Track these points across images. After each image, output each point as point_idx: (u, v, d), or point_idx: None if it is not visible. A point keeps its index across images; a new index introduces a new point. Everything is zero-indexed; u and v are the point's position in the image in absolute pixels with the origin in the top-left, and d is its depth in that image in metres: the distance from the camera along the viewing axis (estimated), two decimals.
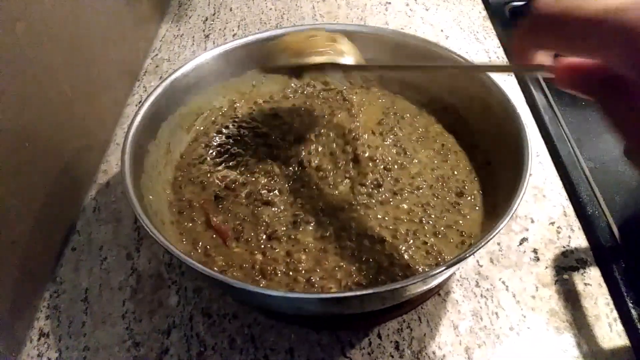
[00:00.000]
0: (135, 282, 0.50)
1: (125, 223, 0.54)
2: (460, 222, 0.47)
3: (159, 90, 0.51)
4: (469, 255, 0.36)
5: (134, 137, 0.46)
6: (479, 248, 0.36)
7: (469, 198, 0.49)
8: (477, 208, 0.48)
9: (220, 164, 0.52)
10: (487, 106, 0.51)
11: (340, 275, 0.42)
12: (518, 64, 0.32)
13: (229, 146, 0.54)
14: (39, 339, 0.46)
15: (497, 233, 0.37)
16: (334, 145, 0.51)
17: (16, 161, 0.45)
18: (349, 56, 0.47)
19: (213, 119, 0.57)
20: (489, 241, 0.37)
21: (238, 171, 0.51)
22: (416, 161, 0.51)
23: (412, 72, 0.60)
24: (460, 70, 0.51)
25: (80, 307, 0.48)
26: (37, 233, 0.48)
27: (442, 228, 0.46)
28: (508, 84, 0.70)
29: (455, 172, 0.51)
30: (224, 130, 0.56)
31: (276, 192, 0.48)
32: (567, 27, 0.26)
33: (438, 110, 0.57)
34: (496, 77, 0.50)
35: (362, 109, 0.56)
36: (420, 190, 0.49)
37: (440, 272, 0.36)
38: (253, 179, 0.49)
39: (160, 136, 0.51)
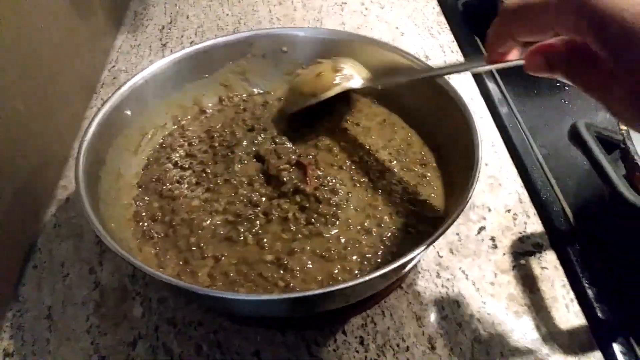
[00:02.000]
0: (98, 296, 0.49)
1: (87, 238, 0.54)
2: (432, 194, 0.50)
3: (100, 115, 0.49)
4: (419, 254, 0.37)
5: (85, 163, 0.45)
6: (430, 244, 0.38)
7: (429, 174, 0.51)
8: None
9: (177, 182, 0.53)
10: (438, 97, 0.53)
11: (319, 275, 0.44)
12: (493, 61, 0.36)
13: (180, 165, 0.54)
14: (3, 359, 0.46)
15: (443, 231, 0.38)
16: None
17: None
18: (356, 77, 0.54)
19: (160, 139, 0.57)
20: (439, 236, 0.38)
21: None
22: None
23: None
24: (439, 73, 0.52)
25: (44, 325, 0.48)
26: None
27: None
28: (462, 76, 0.72)
29: (414, 150, 0.54)
30: (174, 151, 0.56)
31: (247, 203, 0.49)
32: (529, 12, 0.30)
33: (392, 104, 0.59)
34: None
35: None
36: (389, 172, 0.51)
37: (391, 269, 0.36)
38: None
39: (109, 161, 0.50)
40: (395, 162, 0.52)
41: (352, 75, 0.54)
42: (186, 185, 0.52)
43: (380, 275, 0.36)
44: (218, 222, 0.47)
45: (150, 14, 0.89)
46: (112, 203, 0.48)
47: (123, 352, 0.45)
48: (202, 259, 0.45)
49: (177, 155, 0.55)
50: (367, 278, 0.36)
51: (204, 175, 0.52)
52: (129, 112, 0.53)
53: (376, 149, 0.53)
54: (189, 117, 0.59)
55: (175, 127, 0.58)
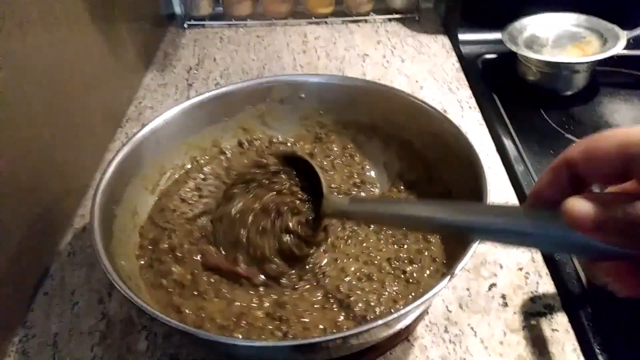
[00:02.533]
0: (105, 327, 0.50)
1: (99, 268, 0.54)
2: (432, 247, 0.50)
3: (120, 156, 0.51)
4: (422, 302, 0.37)
5: (101, 201, 0.46)
6: (436, 293, 0.38)
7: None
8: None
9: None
10: (444, 141, 0.54)
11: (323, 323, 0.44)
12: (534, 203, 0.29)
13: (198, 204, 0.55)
14: None
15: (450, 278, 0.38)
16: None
17: None
18: None
19: (177, 177, 0.58)
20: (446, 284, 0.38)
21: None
22: None
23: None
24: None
25: (48, 352, 0.48)
26: (9, 277, 0.48)
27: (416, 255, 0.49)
28: (478, 131, 0.73)
29: None
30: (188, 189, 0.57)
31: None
32: (598, 150, 0.25)
33: (395, 146, 0.60)
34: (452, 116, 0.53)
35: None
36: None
37: (398, 316, 0.36)
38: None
39: (126, 199, 0.51)
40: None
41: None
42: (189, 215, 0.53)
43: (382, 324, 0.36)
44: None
45: (179, 55, 0.93)
46: (126, 240, 0.49)
47: None
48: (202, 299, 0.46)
49: (188, 188, 0.57)
50: (366, 327, 0.36)
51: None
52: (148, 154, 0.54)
53: None
54: (207, 157, 0.60)
55: (193, 167, 0.59)
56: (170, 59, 0.92)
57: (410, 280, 0.47)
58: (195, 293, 0.46)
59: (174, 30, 1.01)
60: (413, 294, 0.46)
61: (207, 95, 0.59)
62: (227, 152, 0.61)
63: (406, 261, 0.49)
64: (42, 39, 0.55)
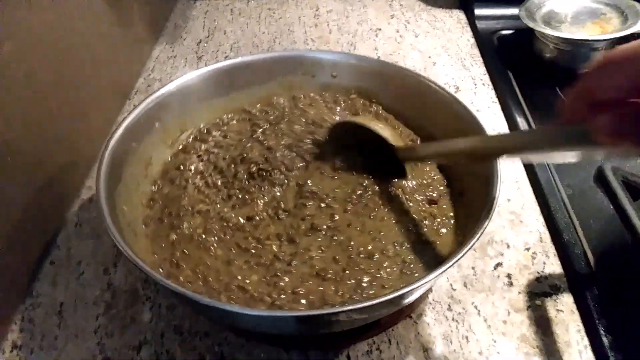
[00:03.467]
0: (110, 298, 0.50)
1: (105, 239, 0.55)
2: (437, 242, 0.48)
3: (144, 104, 0.52)
4: (433, 279, 0.37)
5: (115, 145, 0.48)
6: (443, 271, 0.37)
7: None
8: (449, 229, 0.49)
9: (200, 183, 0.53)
10: (455, 120, 0.52)
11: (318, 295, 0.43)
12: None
13: (211, 165, 0.55)
14: (11, 351, 0.46)
15: (459, 258, 0.37)
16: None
17: None
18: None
19: (196, 135, 0.58)
20: (452, 265, 0.37)
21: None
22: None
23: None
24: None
25: (54, 321, 0.48)
26: (15, 245, 0.49)
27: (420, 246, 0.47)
28: (490, 110, 0.71)
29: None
30: (205, 149, 0.57)
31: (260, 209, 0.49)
32: (615, 64, 0.28)
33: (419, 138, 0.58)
34: (470, 105, 0.51)
35: None
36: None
37: (400, 294, 0.36)
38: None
39: (142, 148, 0.52)
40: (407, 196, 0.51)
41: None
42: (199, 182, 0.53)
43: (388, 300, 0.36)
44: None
45: (189, 27, 0.92)
46: (135, 188, 0.50)
47: (127, 355, 0.46)
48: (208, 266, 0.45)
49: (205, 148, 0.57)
50: (373, 302, 0.36)
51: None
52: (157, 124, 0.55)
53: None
54: (233, 114, 0.61)
55: (214, 127, 0.59)
56: (180, 31, 0.91)
57: (404, 271, 0.45)
58: (200, 247, 0.46)
59: (184, 1, 1.00)
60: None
61: (237, 60, 0.60)
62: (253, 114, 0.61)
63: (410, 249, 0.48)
64: (48, 10, 0.55)
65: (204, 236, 0.47)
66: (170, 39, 0.89)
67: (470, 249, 0.38)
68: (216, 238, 0.47)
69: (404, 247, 0.46)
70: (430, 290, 0.50)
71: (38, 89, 0.53)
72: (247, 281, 0.43)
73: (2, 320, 0.48)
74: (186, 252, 0.46)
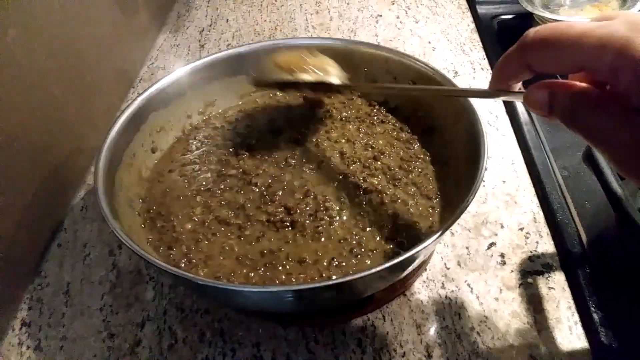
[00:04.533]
0: (115, 278, 0.52)
1: None
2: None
3: (147, 93, 0.54)
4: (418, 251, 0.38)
5: (117, 133, 0.50)
6: (432, 242, 0.38)
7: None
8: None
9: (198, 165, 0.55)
10: (453, 110, 0.53)
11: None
12: (497, 90, 0.36)
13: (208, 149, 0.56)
14: (20, 328, 0.48)
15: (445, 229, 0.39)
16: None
17: (4, 159, 0.48)
18: (335, 77, 0.51)
19: (205, 118, 0.60)
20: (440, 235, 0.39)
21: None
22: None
23: (395, 92, 0.62)
24: (440, 92, 0.54)
25: (61, 300, 0.50)
26: (23, 228, 0.51)
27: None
28: None
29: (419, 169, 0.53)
30: (206, 135, 0.58)
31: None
32: (560, 44, 0.29)
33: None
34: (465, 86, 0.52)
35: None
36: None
37: (387, 266, 0.37)
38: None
39: (143, 135, 0.54)
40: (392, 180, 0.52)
41: (330, 73, 0.51)
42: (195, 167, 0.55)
43: (388, 268, 0.37)
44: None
45: (192, 16, 0.93)
46: (135, 173, 0.52)
47: (131, 332, 0.47)
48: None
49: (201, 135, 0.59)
50: (369, 272, 0.37)
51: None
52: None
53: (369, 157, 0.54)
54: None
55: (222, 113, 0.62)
56: (183, 19, 0.92)
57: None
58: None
59: None
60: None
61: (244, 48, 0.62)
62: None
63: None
64: None
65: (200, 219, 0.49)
66: (174, 28, 0.90)
67: (452, 224, 0.39)
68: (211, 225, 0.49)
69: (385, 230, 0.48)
70: (424, 268, 0.51)
71: (43, 76, 0.54)
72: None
73: (12, 299, 0.50)
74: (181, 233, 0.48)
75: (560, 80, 0.31)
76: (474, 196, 0.41)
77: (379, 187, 0.50)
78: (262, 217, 0.48)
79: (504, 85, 0.35)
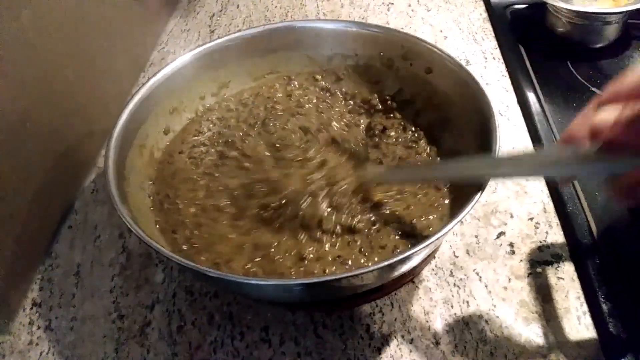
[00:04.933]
0: (125, 260, 0.52)
1: None
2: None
3: (157, 77, 0.54)
4: (429, 244, 0.38)
5: (127, 117, 0.50)
6: (444, 234, 0.38)
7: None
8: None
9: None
10: (464, 97, 0.53)
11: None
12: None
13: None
14: (31, 308, 0.49)
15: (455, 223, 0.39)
16: None
17: (16, 139, 0.48)
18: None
19: (219, 99, 0.60)
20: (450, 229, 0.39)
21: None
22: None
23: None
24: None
25: (72, 281, 0.51)
26: (34, 209, 0.51)
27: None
28: (500, 83, 0.72)
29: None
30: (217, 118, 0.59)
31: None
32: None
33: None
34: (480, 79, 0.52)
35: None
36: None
37: (399, 259, 0.37)
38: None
39: (154, 119, 0.54)
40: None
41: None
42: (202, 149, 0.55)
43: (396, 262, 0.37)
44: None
45: (202, 1, 0.93)
46: (147, 155, 0.52)
47: (141, 314, 0.48)
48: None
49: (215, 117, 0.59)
50: (379, 265, 0.37)
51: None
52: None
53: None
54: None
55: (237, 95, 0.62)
56: (194, 4, 0.92)
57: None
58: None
59: None
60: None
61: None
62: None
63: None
64: None
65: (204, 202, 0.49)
66: (184, 12, 0.90)
67: (462, 217, 0.39)
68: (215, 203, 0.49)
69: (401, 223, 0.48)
70: (433, 256, 0.51)
71: (55, 58, 0.55)
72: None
73: (23, 279, 0.50)
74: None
75: None
76: (481, 193, 0.41)
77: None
78: (253, 209, 0.48)
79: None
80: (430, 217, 0.48)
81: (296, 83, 0.63)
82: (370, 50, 0.60)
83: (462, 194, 0.48)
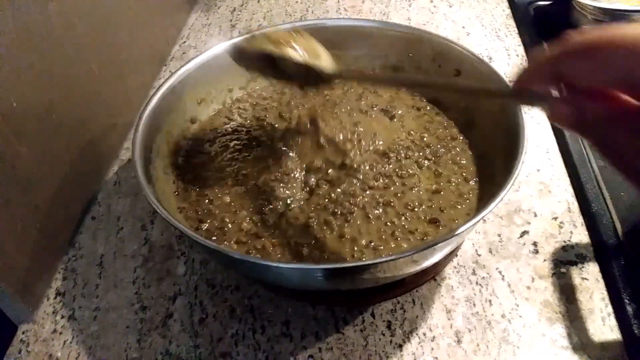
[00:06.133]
0: (147, 252, 0.53)
1: (143, 197, 0.57)
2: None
3: (179, 73, 0.54)
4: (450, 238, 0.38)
5: (152, 110, 0.50)
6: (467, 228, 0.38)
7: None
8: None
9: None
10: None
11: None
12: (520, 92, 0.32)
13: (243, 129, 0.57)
14: (55, 298, 0.49)
15: (481, 217, 0.38)
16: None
17: (42, 130, 0.48)
18: (326, 64, 0.44)
19: (247, 92, 0.61)
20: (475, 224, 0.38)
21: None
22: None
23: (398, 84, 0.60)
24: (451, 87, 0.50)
25: (95, 271, 0.51)
26: (59, 200, 0.52)
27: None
28: None
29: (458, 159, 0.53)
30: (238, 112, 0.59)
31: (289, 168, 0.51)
32: (601, 52, 0.25)
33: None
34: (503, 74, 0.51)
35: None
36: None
37: (417, 252, 0.37)
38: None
39: (177, 113, 0.54)
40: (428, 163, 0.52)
41: (320, 57, 0.45)
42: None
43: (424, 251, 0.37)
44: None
45: None
46: (171, 140, 0.53)
47: (163, 305, 0.48)
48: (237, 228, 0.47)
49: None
50: (398, 256, 0.37)
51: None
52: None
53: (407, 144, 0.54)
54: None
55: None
56: None
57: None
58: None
59: None
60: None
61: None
62: None
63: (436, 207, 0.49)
64: None
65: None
66: (205, 7, 0.90)
67: (486, 214, 0.39)
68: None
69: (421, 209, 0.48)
70: (455, 254, 0.51)
71: (81, 51, 0.55)
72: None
73: (47, 269, 0.51)
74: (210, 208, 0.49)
75: (594, 91, 0.28)
76: (506, 192, 0.40)
77: (419, 161, 0.51)
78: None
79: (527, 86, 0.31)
80: (459, 207, 0.48)
81: None
82: (400, 52, 0.60)
83: (489, 191, 0.47)
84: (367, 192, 0.48)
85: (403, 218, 0.47)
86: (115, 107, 0.63)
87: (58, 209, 0.52)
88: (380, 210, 0.47)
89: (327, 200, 0.47)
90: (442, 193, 0.49)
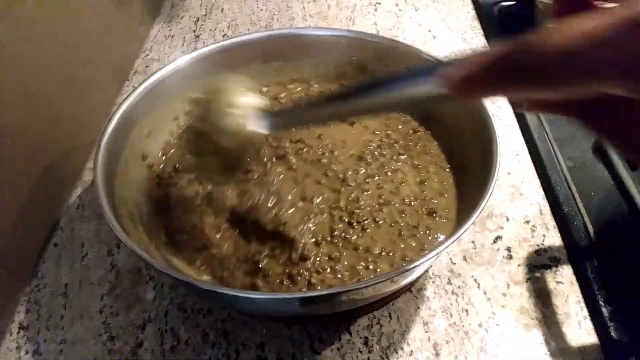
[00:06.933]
0: (114, 278, 0.51)
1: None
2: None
3: (142, 87, 0.52)
4: (429, 259, 0.37)
5: (113, 129, 0.48)
6: (443, 250, 0.37)
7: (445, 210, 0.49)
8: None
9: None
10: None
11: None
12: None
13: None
14: (18, 332, 0.47)
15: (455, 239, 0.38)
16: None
17: None
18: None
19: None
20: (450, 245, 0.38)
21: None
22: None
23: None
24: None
25: (59, 302, 0.49)
26: (18, 229, 0.49)
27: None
28: None
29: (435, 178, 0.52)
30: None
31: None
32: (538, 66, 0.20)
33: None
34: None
35: None
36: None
37: (399, 273, 0.36)
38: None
39: (141, 129, 0.52)
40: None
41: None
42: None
43: (386, 280, 0.36)
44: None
45: (186, 5, 0.91)
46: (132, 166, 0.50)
47: (132, 334, 0.46)
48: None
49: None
50: (372, 282, 0.36)
51: None
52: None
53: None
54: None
55: None
56: (177, 9, 0.90)
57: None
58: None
59: None
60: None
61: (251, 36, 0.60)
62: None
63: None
64: None
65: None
66: (168, 18, 0.88)
67: (464, 231, 0.39)
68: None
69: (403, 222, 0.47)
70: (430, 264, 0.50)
71: (35, 71, 0.53)
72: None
73: (9, 301, 0.48)
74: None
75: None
76: (480, 211, 0.40)
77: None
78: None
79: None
80: (446, 195, 0.50)
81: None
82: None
83: (463, 178, 0.50)
84: (365, 194, 0.48)
85: (404, 214, 0.47)
86: (78, 126, 0.61)
87: (18, 240, 0.49)
88: (384, 210, 0.47)
89: (344, 217, 0.47)
90: (426, 183, 0.50)
